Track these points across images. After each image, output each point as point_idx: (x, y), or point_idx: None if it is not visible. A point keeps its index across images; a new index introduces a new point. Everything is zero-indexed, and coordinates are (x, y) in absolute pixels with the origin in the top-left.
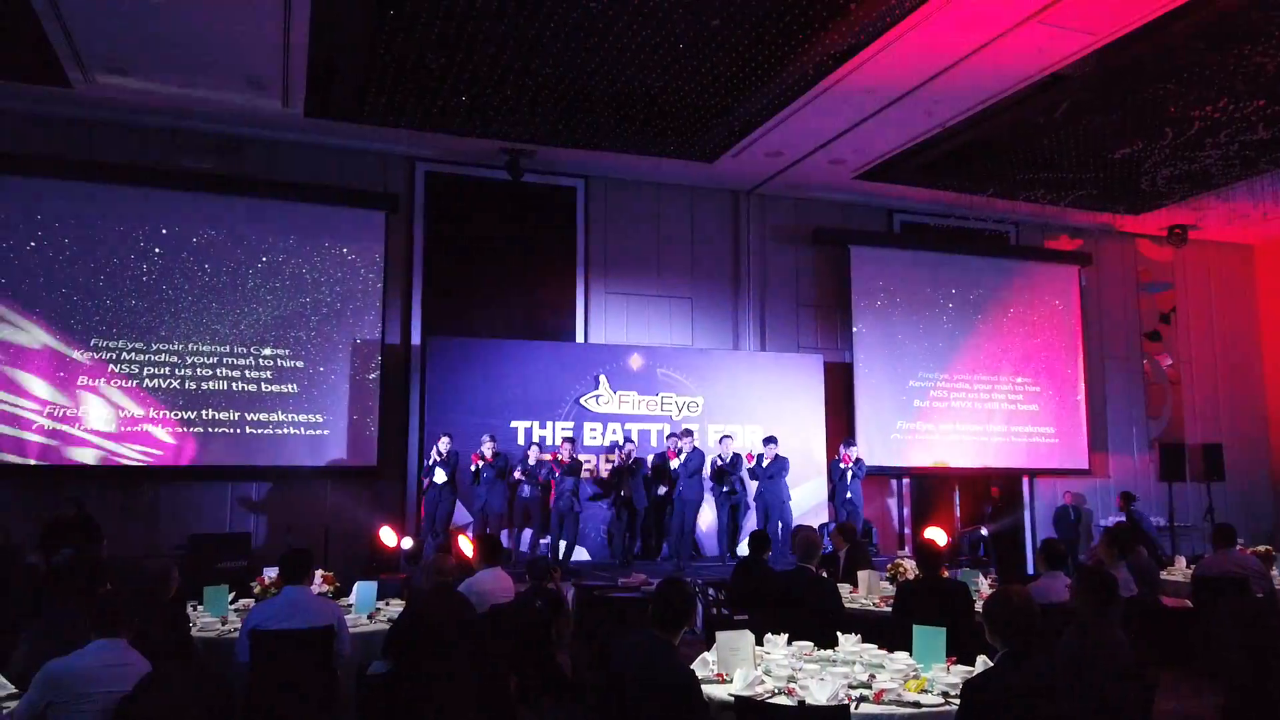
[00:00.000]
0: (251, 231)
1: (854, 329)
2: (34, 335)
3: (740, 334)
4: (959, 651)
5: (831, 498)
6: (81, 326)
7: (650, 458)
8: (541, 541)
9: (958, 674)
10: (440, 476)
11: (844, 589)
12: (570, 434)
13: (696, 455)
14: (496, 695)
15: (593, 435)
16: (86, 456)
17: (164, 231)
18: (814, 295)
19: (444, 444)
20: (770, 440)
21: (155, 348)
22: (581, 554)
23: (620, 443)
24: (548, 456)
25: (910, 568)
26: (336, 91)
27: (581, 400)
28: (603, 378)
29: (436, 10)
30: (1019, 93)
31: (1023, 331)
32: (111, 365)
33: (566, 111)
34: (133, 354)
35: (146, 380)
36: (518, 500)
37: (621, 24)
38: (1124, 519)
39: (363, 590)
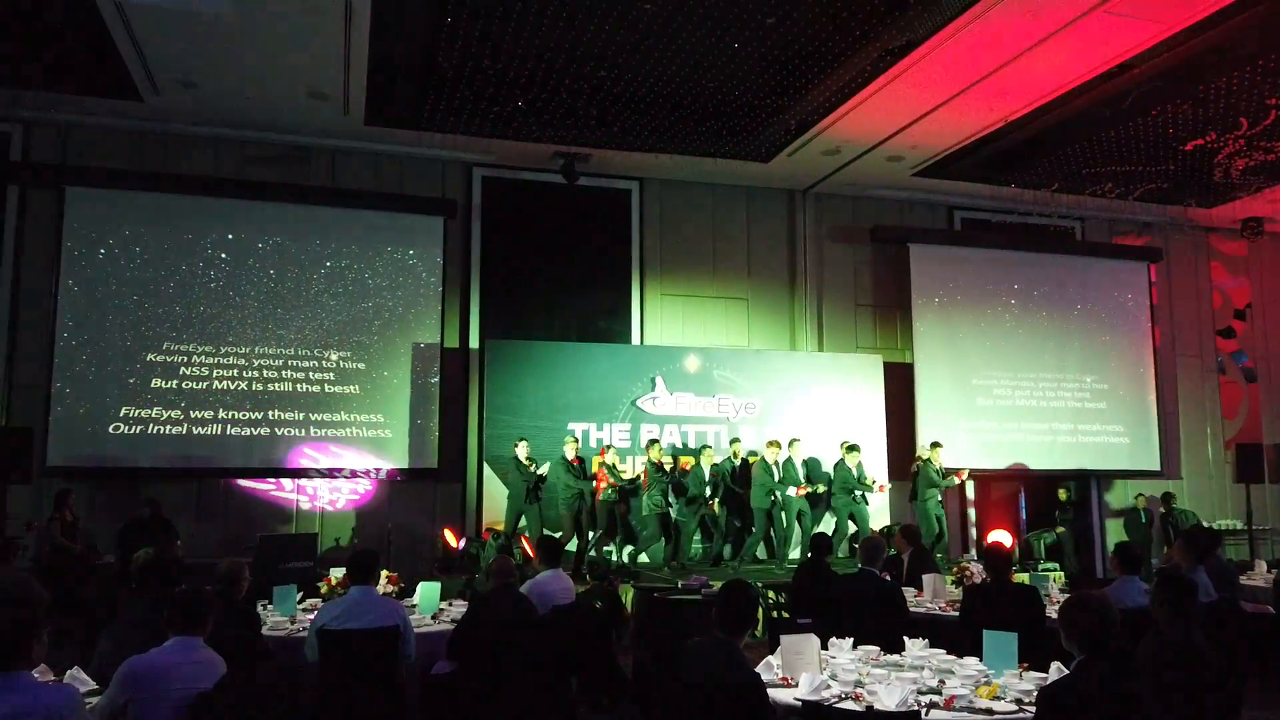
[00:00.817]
0: (315, 238)
1: (914, 328)
2: (109, 340)
3: (797, 334)
4: (1031, 657)
5: (911, 500)
6: (153, 332)
7: (718, 461)
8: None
9: (1031, 680)
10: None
11: (908, 592)
12: (626, 438)
13: (762, 461)
14: (557, 695)
15: (649, 436)
16: (161, 459)
17: (231, 239)
18: (872, 294)
19: (523, 449)
20: (853, 448)
21: (224, 350)
22: (641, 557)
23: (680, 445)
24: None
25: (977, 571)
26: (396, 100)
27: (638, 402)
28: (659, 379)
29: (493, 16)
30: (1084, 84)
31: (1090, 329)
32: (183, 368)
33: (621, 114)
34: (203, 356)
35: (216, 382)
36: (599, 503)
37: (676, 25)
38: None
39: (426, 591)
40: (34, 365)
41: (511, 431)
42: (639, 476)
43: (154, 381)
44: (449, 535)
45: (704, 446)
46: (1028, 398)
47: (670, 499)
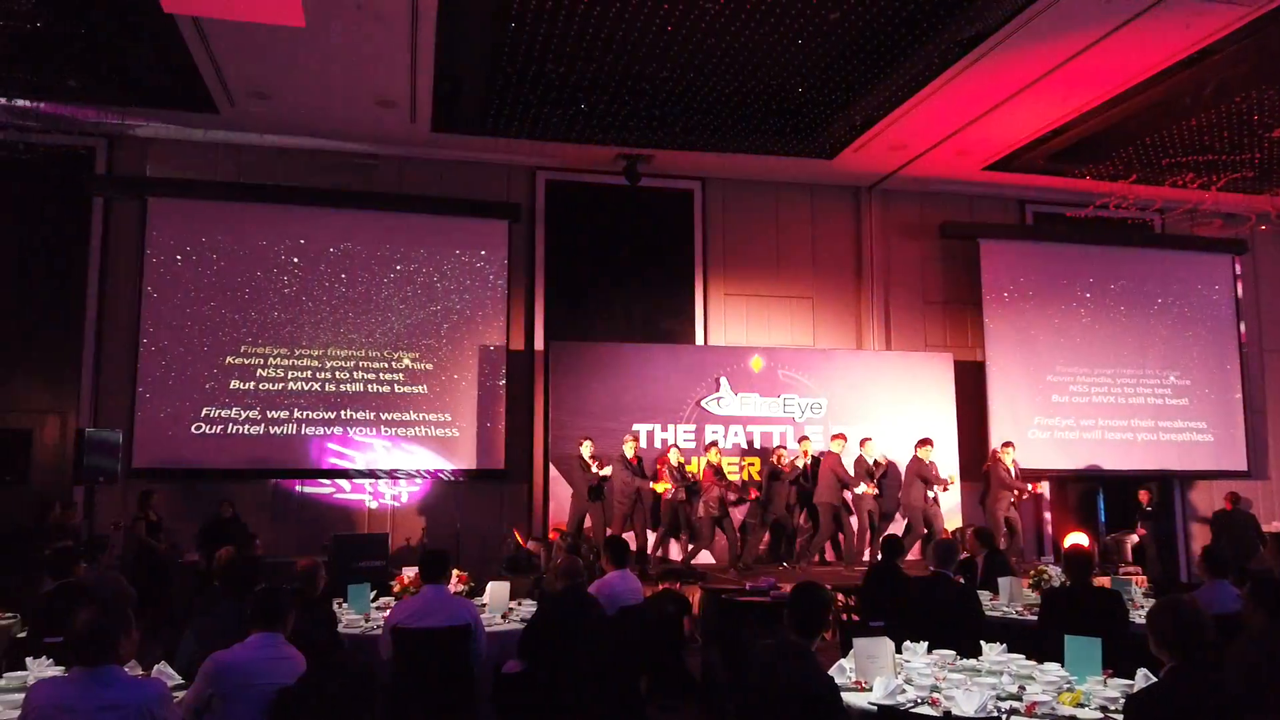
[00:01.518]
0: (384, 243)
1: (985, 325)
2: (188, 345)
3: (864, 333)
4: (1114, 663)
5: (981, 501)
6: (229, 337)
7: (778, 461)
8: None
9: (1116, 687)
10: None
11: (982, 596)
12: (691, 439)
13: (830, 460)
14: (626, 696)
15: (714, 437)
16: (239, 460)
17: (303, 245)
18: (941, 291)
19: (588, 448)
20: (925, 442)
21: (298, 353)
22: (705, 556)
23: (745, 445)
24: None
25: (1056, 574)
26: (461, 106)
27: (703, 403)
28: (723, 380)
29: (556, 19)
30: (1162, 72)
31: (1171, 324)
32: (260, 370)
33: (683, 114)
34: (278, 359)
35: (291, 384)
36: (664, 503)
37: (739, 23)
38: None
39: (496, 590)
40: (119, 371)
41: (576, 433)
42: (697, 479)
43: (232, 383)
44: (518, 535)
45: (778, 447)
46: (1105, 395)
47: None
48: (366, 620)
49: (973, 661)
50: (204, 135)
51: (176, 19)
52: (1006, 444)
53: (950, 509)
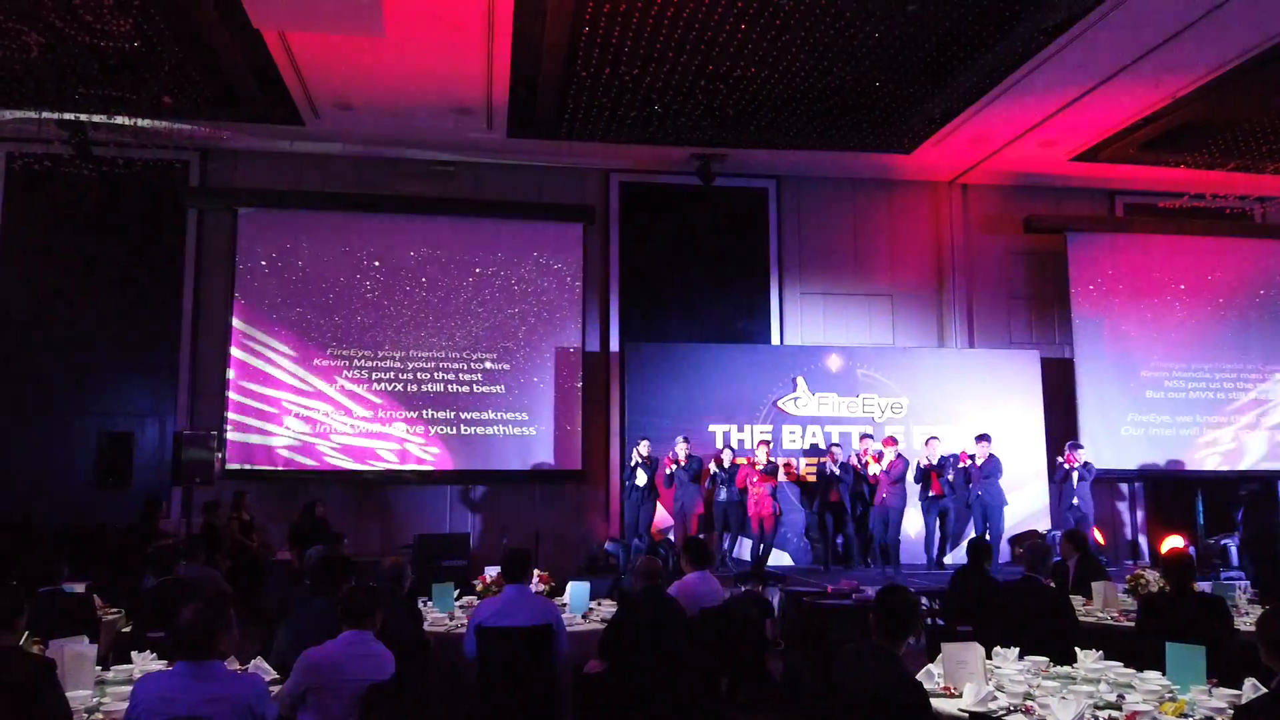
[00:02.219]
0: (462, 248)
1: (1073, 321)
2: (276, 350)
3: (946, 331)
4: (1218, 672)
5: (1059, 503)
6: (314, 342)
7: (849, 461)
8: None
9: (1222, 697)
10: (641, 479)
11: (1075, 601)
12: (768, 438)
13: (900, 460)
14: (707, 697)
15: (791, 438)
16: (326, 461)
17: (384, 251)
18: (1026, 287)
19: (644, 448)
20: (983, 438)
21: (381, 354)
22: (783, 558)
23: (823, 445)
24: (744, 460)
25: (1153, 579)
26: (536, 111)
27: (779, 403)
28: (800, 380)
29: (629, 23)
30: (1263, 54)
31: (1273, 317)
32: (346, 370)
33: (758, 112)
34: (362, 360)
35: (375, 384)
36: (715, 503)
37: (813, 18)
38: None
39: (576, 590)
40: (213, 375)
41: (653, 433)
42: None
43: (319, 383)
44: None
45: (833, 445)
46: (1203, 391)
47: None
48: (451, 619)
49: (1067, 669)
50: (290, 146)
51: (264, 35)
52: (1074, 445)
53: (1039, 511)
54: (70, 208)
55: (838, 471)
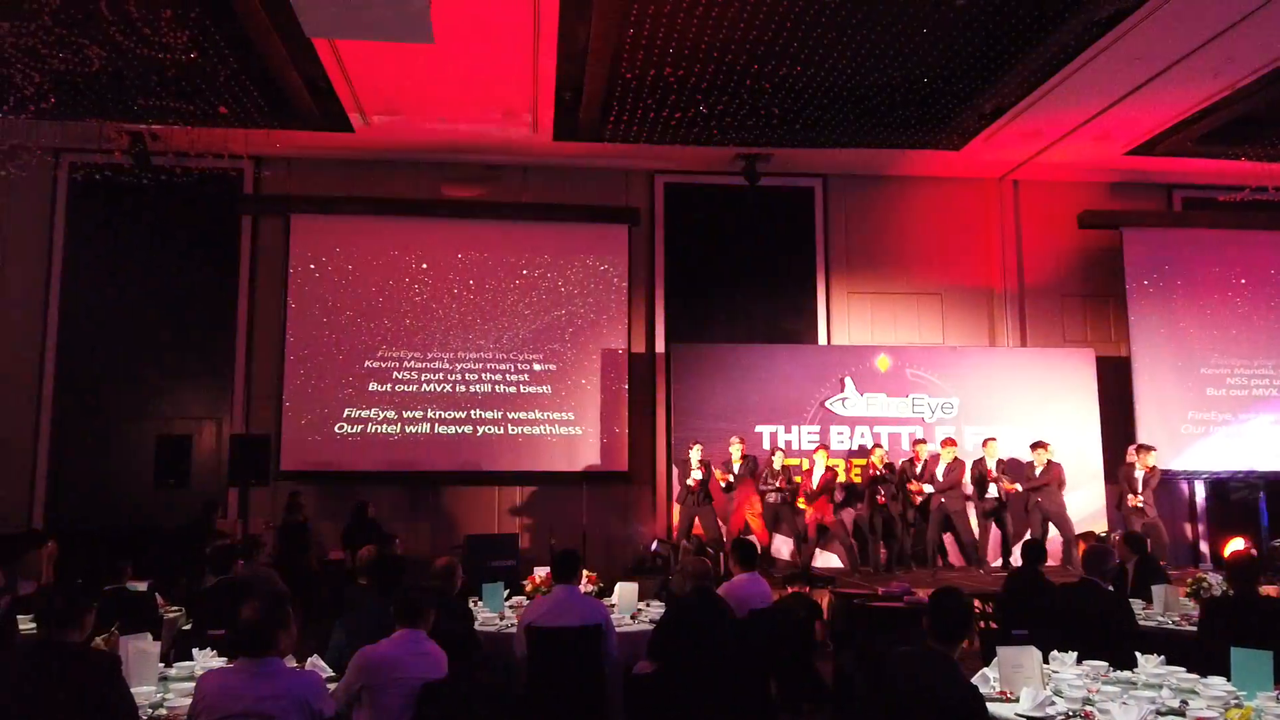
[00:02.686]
0: (509, 251)
1: (1129, 318)
2: (327, 353)
3: (997, 330)
4: None
5: (1118, 506)
6: (365, 344)
7: (901, 463)
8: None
9: None
10: (694, 479)
11: (1134, 605)
12: (816, 439)
13: (957, 462)
14: (756, 699)
15: (840, 439)
16: (378, 462)
17: (433, 255)
18: (1081, 285)
19: (697, 453)
20: (1038, 444)
21: (430, 356)
22: (832, 560)
23: (869, 446)
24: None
25: (1216, 583)
26: (581, 114)
27: (827, 404)
28: (848, 380)
29: (674, 24)
30: None
31: None
32: (396, 372)
33: (804, 111)
34: (412, 362)
35: (424, 385)
36: (766, 505)
37: (860, 15)
38: None
39: (624, 591)
40: (267, 378)
41: (699, 435)
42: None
43: (370, 385)
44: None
45: (875, 446)
46: (1267, 389)
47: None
48: (501, 619)
49: (1128, 674)
50: (340, 153)
51: (315, 44)
52: (1142, 447)
53: (1095, 513)
54: (130, 216)
55: (884, 473)
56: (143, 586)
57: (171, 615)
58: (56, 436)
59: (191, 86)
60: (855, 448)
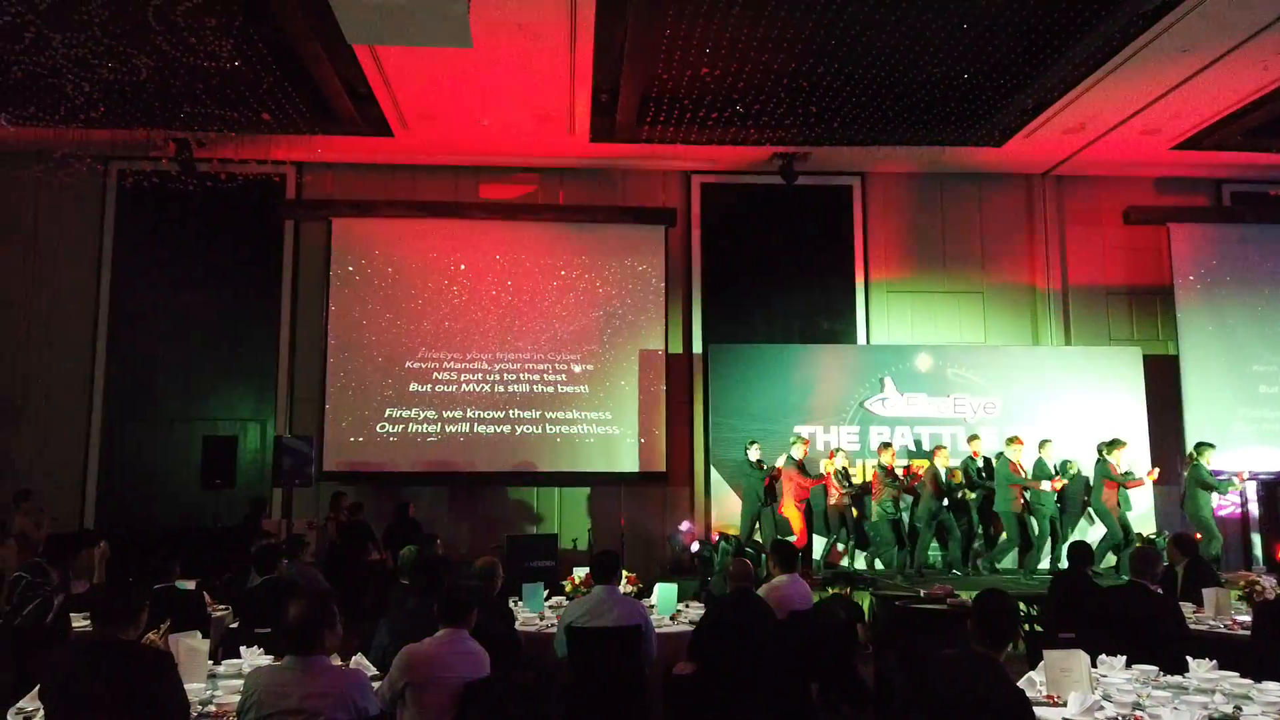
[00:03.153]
0: (546, 252)
1: (1177, 315)
2: (368, 355)
3: (1040, 328)
4: None
5: (1182, 505)
6: (405, 346)
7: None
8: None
9: None
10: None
11: (1185, 608)
12: (855, 439)
13: (1003, 462)
14: (798, 701)
15: (879, 439)
16: (419, 463)
17: (471, 257)
18: (1126, 281)
19: (755, 451)
20: (1115, 443)
21: (469, 357)
22: (872, 561)
23: (913, 447)
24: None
25: (1270, 586)
26: (618, 116)
27: (866, 404)
28: (888, 380)
29: (710, 24)
30: None
31: None
32: (435, 373)
33: (841, 109)
34: (451, 363)
35: (463, 387)
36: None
37: (899, 11)
38: None
39: (664, 592)
40: (310, 380)
41: (736, 435)
42: (868, 482)
43: (411, 385)
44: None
45: (938, 447)
46: None
47: (902, 504)
48: (541, 619)
49: (1178, 678)
50: (380, 157)
51: (355, 51)
52: (1205, 445)
53: (1144, 513)
54: (176, 222)
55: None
56: (191, 585)
57: (219, 613)
58: (107, 438)
59: (235, 94)
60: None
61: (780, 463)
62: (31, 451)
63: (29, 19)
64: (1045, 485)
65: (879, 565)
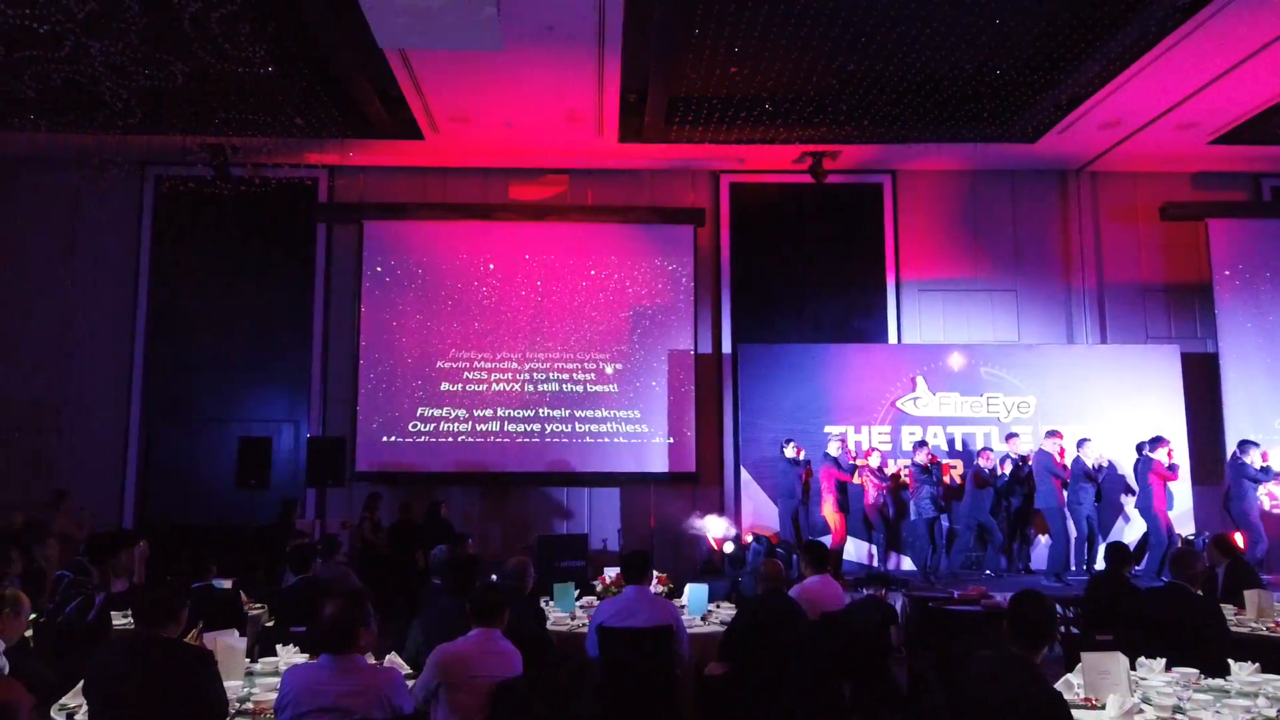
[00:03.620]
0: (576, 253)
1: (1216, 312)
2: (398, 356)
3: (1075, 326)
4: None
5: (1225, 506)
6: (436, 347)
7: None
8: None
9: None
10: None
11: (1225, 610)
12: (887, 439)
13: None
14: (830, 702)
15: (911, 439)
16: (450, 464)
17: (501, 258)
18: (1163, 279)
19: (791, 449)
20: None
21: (500, 358)
22: (906, 562)
23: (945, 447)
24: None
25: None
26: (646, 116)
27: (898, 403)
28: (920, 379)
29: (739, 23)
30: None
31: None
32: (466, 374)
33: (871, 106)
34: (482, 363)
35: (494, 387)
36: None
37: (930, 7)
38: None
39: (694, 592)
40: (343, 382)
41: (766, 436)
42: (899, 475)
43: (441, 386)
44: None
45: (983, 449)
46: None
47: (939, 504)
48: (573, 619)
49: (1220, 681)
50: (411, 159)
51: (386, 55)
52: (1248, 443)
53: (1183, 514)
54: (212, 226)
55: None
56: (227, 584)
57: (255, 612)
58: (145, 439)
59: (269, 99)
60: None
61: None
62: (72, 452)
63: (68, 28)
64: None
65: (908, 565)
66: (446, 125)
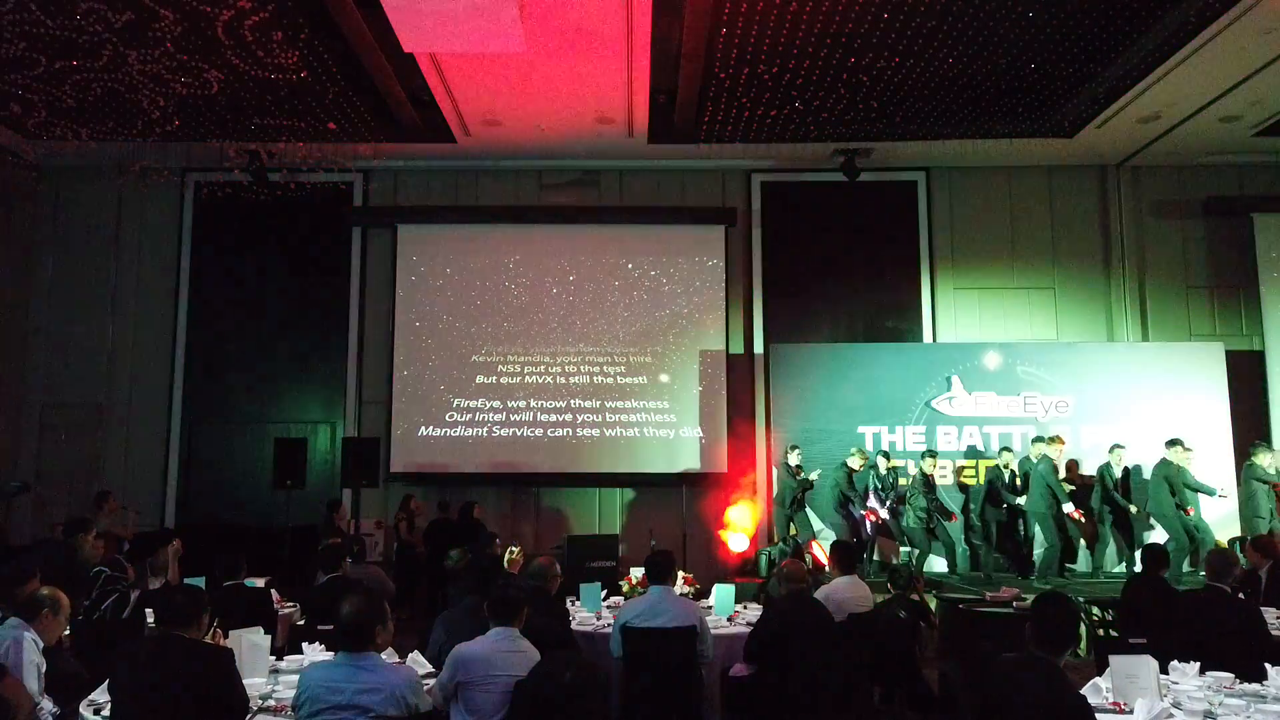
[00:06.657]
0: (607, 254)
1: (1262, 309)
2: (433, 359)
3: (1115, 324)
4: None
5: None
6: (468, 350)
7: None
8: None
9: None
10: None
11: (1266, 614)
12: (922, 439)
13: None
14: (859, 705)
15: (946, 439)
16: (482, 465)
17: (533, 260)
18: (1207, 275)
19: (794, 457)
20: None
21: (532, 358)
22: (939, 564)
23: (981, 447)
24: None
25: None
26: (676, 116)
27: (933, 403)
28: (955, 378)
29: (767, 21)
30: None
31: None
32: (499, 376)
33: (904, 103)
34: (514, 365)
35: (526, 389)
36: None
37: (961, 4)
38: None
39: (721, 593)
40: (377, 383)
41: (799, 438)
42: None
43: (475, 383)
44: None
45: (1004, 449)
46: None
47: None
48: (598, 619)
49: (1256, 686)
50: (443, 163)
51: (417, 59)
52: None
53: (1226, 516)
54: (249, 230)
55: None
56: (260, 583)
57: (287, 611)
58: (186, 440)
59: (303, 104)
60: (965, 448)
61: (816, 475)
62: (116, 453)
63: (106, 38)
64: (1069, 508)
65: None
66: (478, 128)
